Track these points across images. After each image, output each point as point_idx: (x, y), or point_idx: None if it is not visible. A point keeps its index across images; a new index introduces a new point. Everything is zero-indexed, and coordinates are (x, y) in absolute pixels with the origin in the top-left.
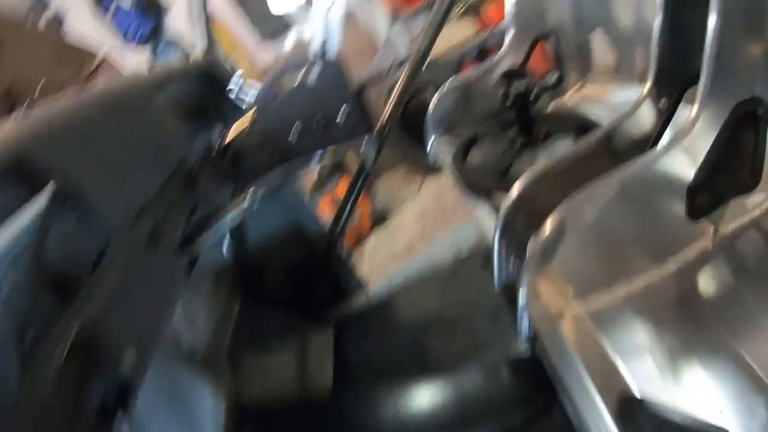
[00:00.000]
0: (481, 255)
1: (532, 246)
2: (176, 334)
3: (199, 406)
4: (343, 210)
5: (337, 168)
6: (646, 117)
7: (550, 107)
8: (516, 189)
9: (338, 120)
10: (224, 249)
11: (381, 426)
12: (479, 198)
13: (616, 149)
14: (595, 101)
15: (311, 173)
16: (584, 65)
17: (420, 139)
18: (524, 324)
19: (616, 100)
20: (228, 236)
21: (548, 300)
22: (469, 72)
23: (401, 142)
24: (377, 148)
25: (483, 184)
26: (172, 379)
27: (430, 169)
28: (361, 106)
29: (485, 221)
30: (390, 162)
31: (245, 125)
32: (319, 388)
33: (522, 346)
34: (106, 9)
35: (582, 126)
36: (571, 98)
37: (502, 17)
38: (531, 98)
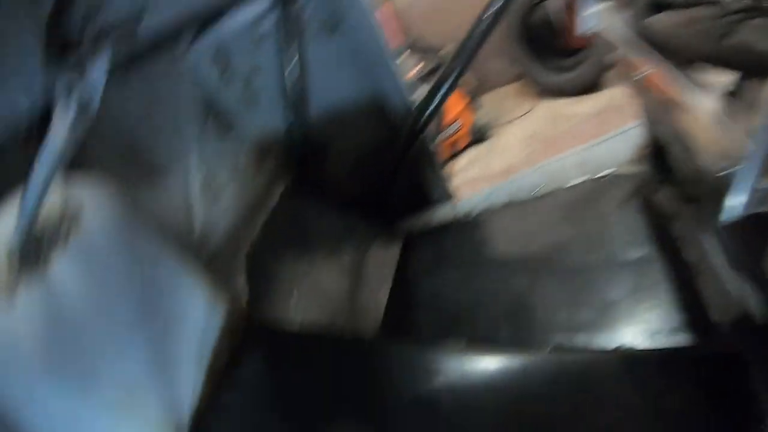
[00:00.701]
0: (626, 181)
1: None
2: (185, 212)
3: (182, 312)
4: (440, 86)
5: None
6: None
7: None
8: None
9: None
10: (279, 113)
11: (437, 404)
12: (681, 72)
13: None
14: None
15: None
16: None
17: (542, 55)
18: None
19: None
20: (284, 96)
21: None
22: None
23: (520, 56)
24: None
25: (691, 50)
26: (158, 266)
27: (547, 91)
28: None
29: (703, 106)
30: (501, 76)
31: None
32: (365, 323)
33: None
34: None
35: None
36: None
37: None
38: None
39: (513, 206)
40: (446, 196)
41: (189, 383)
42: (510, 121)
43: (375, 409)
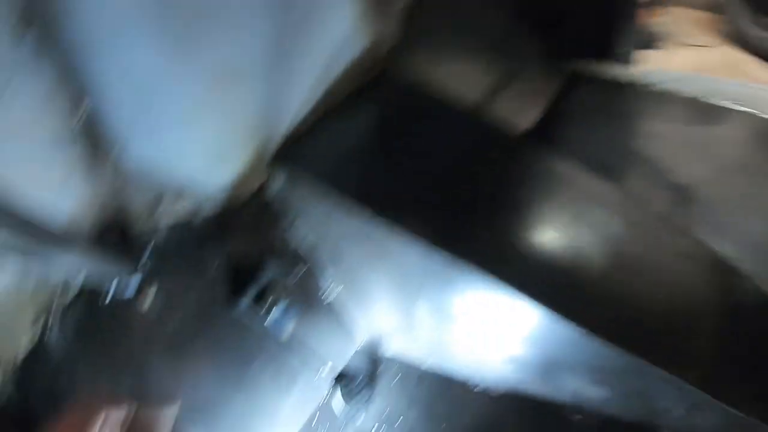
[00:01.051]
0: None
1: None
2: None
3: (319, 28)
4: None
5: None
6: None
7: None
8: None
9: None
10: None
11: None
12: None
13: None
14: None
15: None
16: None
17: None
18: None
19: None
20: None
21: None
22: None
23: None
24: None
25: None
26: None
27: (738, 39)
28: None
29: None
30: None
31: None
32: (511, 125)
33: None
34: None
35: None
36: None
37: None
38: None
39: (697, 104)
40: (628, 56)
41: (295, 104)
42: (681, 46)
43: (488, 202)
